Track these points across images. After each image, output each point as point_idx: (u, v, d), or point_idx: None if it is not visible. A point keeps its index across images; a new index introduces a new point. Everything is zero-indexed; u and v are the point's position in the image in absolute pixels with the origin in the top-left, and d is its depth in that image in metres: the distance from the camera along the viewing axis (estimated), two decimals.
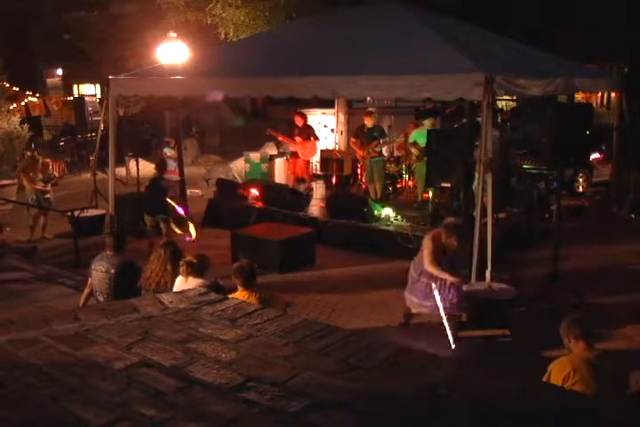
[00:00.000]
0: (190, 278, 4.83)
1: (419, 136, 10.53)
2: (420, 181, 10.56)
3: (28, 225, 9.75)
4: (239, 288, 4.76)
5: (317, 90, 8.00)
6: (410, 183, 11.40)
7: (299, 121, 11.78)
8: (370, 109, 11.47)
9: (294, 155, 12.00)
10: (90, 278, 5.78)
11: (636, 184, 10.56)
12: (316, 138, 11.86)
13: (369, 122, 11.01)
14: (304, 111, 12.25)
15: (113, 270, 5.50)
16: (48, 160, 10.42)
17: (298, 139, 11.76)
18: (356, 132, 11.43)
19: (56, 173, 10.61)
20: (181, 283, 4.86)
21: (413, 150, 10.64)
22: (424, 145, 10.21)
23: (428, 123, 10.51)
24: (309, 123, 12.03)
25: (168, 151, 13.64)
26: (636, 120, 10.23)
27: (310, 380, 1.62)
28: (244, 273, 4.77)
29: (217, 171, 13.47)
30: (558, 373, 3.65)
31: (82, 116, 16.94)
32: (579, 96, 13.44)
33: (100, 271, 5.58)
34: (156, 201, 8.96)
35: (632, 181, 10.62)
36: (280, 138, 12.63)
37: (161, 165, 9.25)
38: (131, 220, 9.60)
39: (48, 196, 9.97)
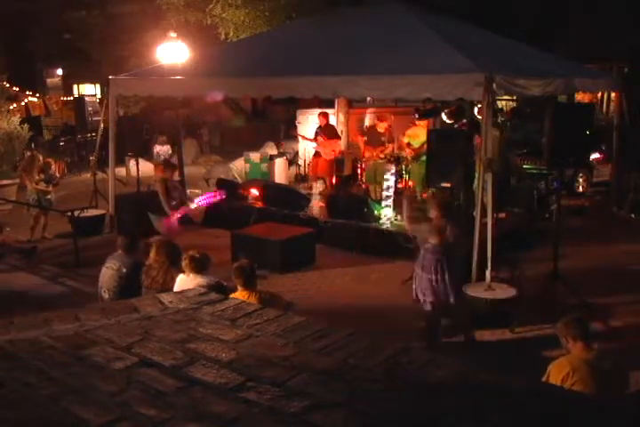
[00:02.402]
0: (192, 275, 4.85)
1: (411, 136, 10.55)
2: (417, 182, 10.55)
3: (29, 225, 9.73)
4: (239, 288, 4.76)
5: (317, 90, 8.00)
6: (410, 183, 11.39)
7: (321, 121, 11.85)
8: (384, 114, 11.44)
9: (317, 154, 12.05)
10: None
11: (636, 184, 10.55)
12: (338, 137, 11.88)
13: (381, 127, 10.96)
14: (327, 111, 12.28)
15: (124, 270, 5.53)
16: (50, 160, 10.38)
17: (320, 138, 11.79)
18: (366, 130, 11.40)
19: (57, 174, 10.57)
20: (184, 279, 4.87)
21: (408, 151, 10.64)
22: (417, 145, 10.25)
23: (422, 123, 10.51)
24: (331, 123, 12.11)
25: (159, 147, 13.38)
26: (636, 120, 10.22)
27: (310, 380, 1.62)
28: (244, 273, 4.77)
29: (217, 171, 13.45)
30: (557, 373, 3.65)
31: (82, 116, 16.92)
32: (579, 97, 13.42)
33: (110, 269, 5.60)
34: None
35: (632, 181, 10.62)
36: (302, 138, 12.77)
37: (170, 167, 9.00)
38: (131, 220, 9.57)
39: (49, 196, 9.95)
